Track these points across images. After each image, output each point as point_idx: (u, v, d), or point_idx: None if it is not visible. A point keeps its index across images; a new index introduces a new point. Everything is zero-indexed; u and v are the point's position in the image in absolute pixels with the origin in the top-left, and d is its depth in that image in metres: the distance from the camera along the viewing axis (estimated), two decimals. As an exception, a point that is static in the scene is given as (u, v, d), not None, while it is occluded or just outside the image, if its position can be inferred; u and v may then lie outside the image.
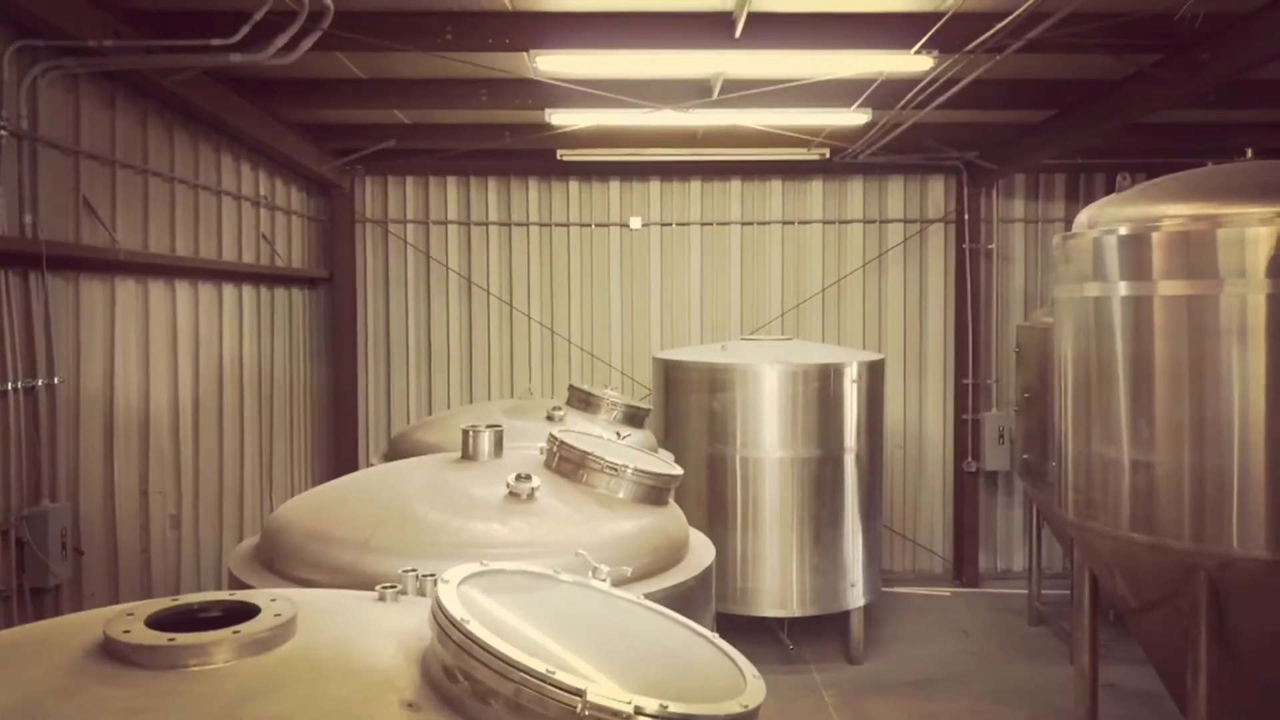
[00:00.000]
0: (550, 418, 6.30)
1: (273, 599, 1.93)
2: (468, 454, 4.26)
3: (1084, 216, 6.24)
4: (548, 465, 4.19)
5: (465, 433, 4.27)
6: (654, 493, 4.13)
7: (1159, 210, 5.69)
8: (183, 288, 7.96)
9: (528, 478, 3.86)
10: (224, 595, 1.99)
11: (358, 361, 11.36)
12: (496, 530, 3.64)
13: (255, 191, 9.46)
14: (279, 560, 3.76)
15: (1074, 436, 6.16)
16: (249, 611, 1.88)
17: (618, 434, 4.92)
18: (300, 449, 10.62)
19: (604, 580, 2.34)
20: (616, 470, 4.02)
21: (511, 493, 3.82)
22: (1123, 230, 5.82)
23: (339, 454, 11.08)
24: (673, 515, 4.16)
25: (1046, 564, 10.46)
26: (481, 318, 11.46)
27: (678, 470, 4.25)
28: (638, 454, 4.50)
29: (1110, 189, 11.55)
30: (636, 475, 4.05)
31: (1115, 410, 5.83)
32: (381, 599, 2.12)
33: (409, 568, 3.19)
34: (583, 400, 6.63)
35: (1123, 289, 5.83)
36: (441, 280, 11.43)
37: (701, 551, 4.21)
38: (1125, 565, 5.86)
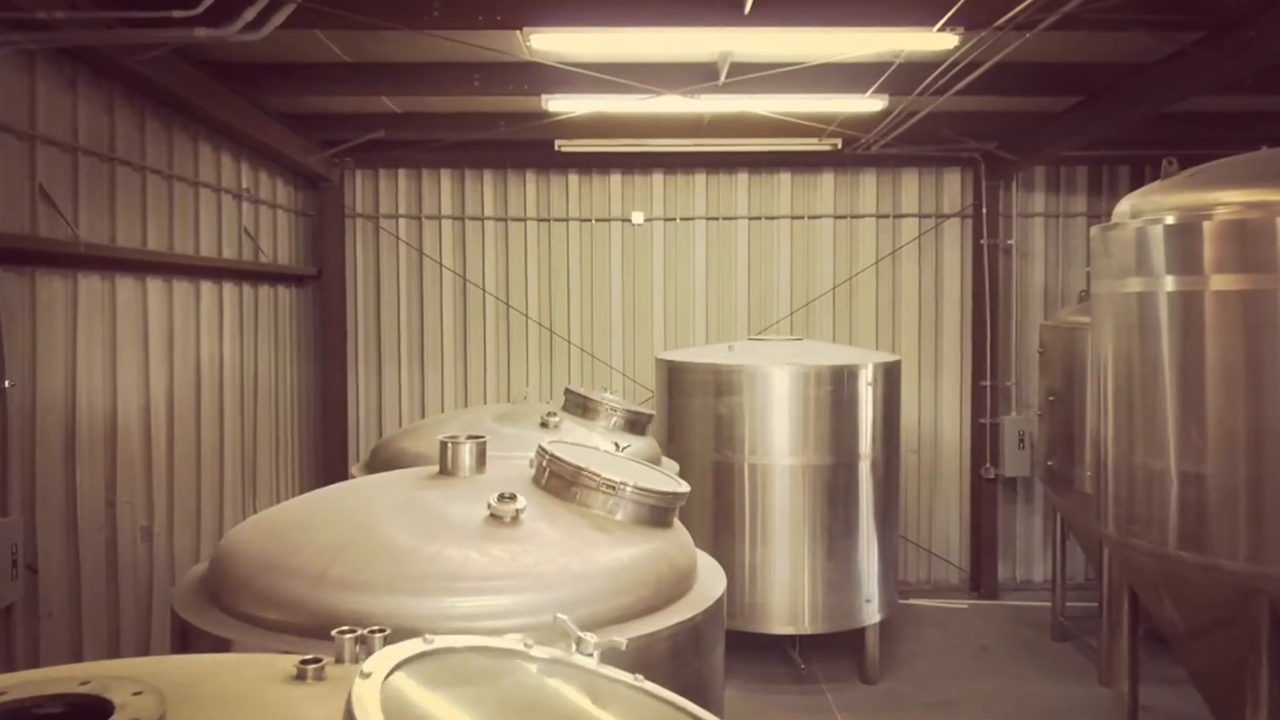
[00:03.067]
0: (544, 424, 5.81)
1: (136, 691, 1.44)
2: (446, 469, 3.77)
3: (1126, 205, 5.74)
4: (536, 481, 3.69)
5: (443, 445, 3.77)
6: (657, 513, 3.64)
7: (1211, 197, 5.19)
8: (155, 285, 7.47)
9: (512, 498, 3.36)
10: (79, 675, 1.50)
11: (347, 363, 10.87)
12: (474, 560, 3.14)
13: (237, 184, 8.97)
14: (226, 593, 3.27)
15: (1115, 445, 5.65)
16: (102, 710, 1.39)
17: (616, 444, 4.43)
18: (287, 455, 10.13)
19: (591, 654, 1.84)
20: (614, 488, 3.52)
21: (493, 515, 3.34)
22: (1170, 220, 5.33)
23: (327, 460, 10.59)
24: (678, 539, 3.67)
25: (1068, 574, 9.95)
26: (477, 317, 10.97)
27: (683, 487, 3.76)
28: (638, 468, 4.01)
29: (1135, 181, 11.11)
30: (637, 494, 3.56)
31: (1161, 416, 5.33)
32: (300, 677, 1.63)
33: (368, 607, 2.72)
34: (580, 405, 6.14)
35: (1170, 284, 5.33)
36: (435, 278, 10.94)
37: (710, 580, 3.71)
38: (1173, 587, 5.36)
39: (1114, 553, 5.90)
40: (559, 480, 3.62)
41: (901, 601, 9.72)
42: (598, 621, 3.14)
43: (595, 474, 3.53)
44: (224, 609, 3.24)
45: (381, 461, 5.87)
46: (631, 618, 3.22)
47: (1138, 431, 5.47)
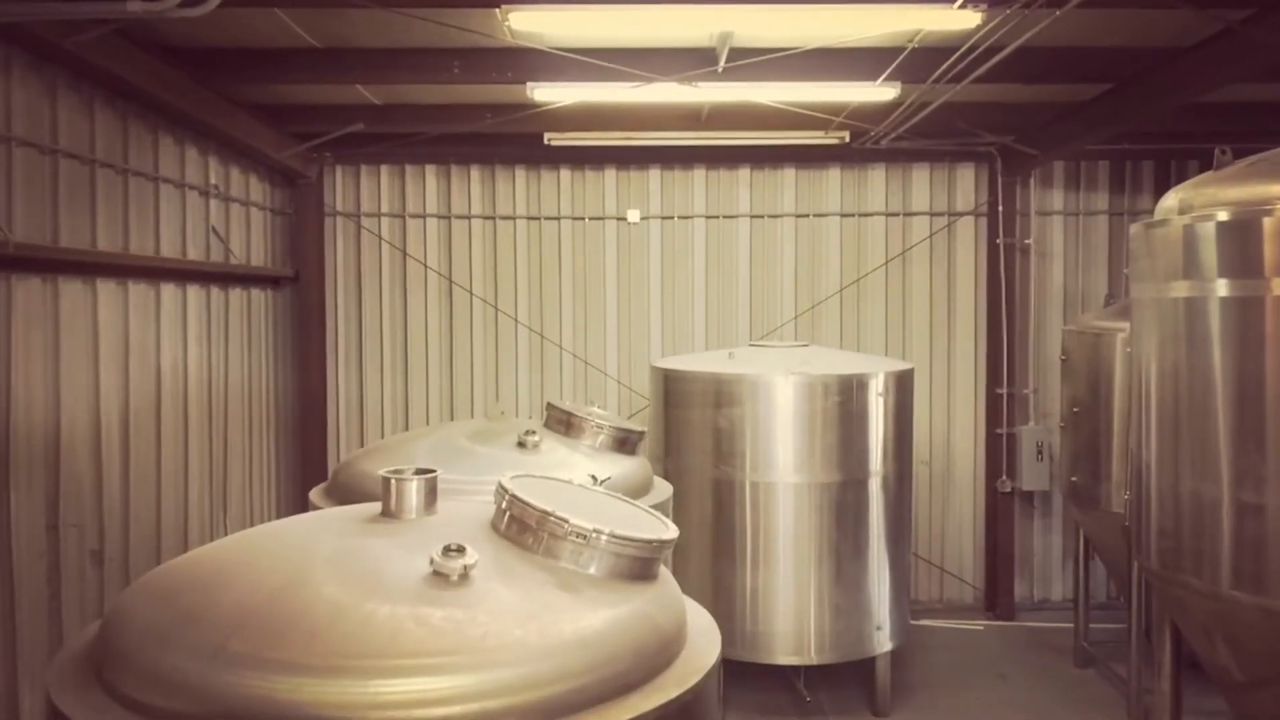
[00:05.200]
0: (522, 445, 5.22)
1: None
2: (389, 510, 3.18)
3: (1172, 200, 5.13)
4: (495, 526, 3.11)
5: (386, 482, 3.18)
6: (638, 565, 3.05)
7: (1273, 190, 4.59)
8: (107, 288, 6.89)
9: (459, 550, 2.77)
10: None
11: (326, 370, 10.28)
12: (408, 632, 2.56)
13: (204, 180, 8.39)
14: (109, 668, 2.69)
15: (1159, 469, 5.05)
16: None
17: (593, 476, 3.83)
18: (263, 469, 9.55)
19: None
20: (585, 537, 2.93)
21: (436, 572, 2.74)
22: (1223, 216, 4.73)
23: (305, 474, 10.00)
24: (663, 595, 3.08)
25: (1089, 592, 9.33)
26: (464, 321, 10.38)
27: (670, 532, 3.16)
28: (619, 508, 3.41)
29: (1159, 177, 10.51)
30: (614, 543, 2.97)
31: (1214, 438, 4.74)
32: None
33: (273, 693, 2.16)
34: (562, 422, 5.55)
35: (1223, 288, 4.73)
36: (419, 280, 10.35)
37: (703, 642, 3.12)
38: (1227, 630, 4.76)
39: (1158, 589, 5.30)
40: (521, 526, 3.03)
41: (913, 622, 9.11)
42: (561, 708, 2.56)
43: (563, 520, 2.94)
44: (105, 688, 2.66)
45: (341, 485, 5.28)
46: (604, 700, 2.64)
47: (1186, 454, 4.87)
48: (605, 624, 2.77)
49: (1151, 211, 10.31)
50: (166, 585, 2.91)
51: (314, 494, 5.43)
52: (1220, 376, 4.70)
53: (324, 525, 3.20)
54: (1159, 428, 5.06)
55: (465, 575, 2.75)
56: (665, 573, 3.29)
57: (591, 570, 2.98)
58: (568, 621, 2.72)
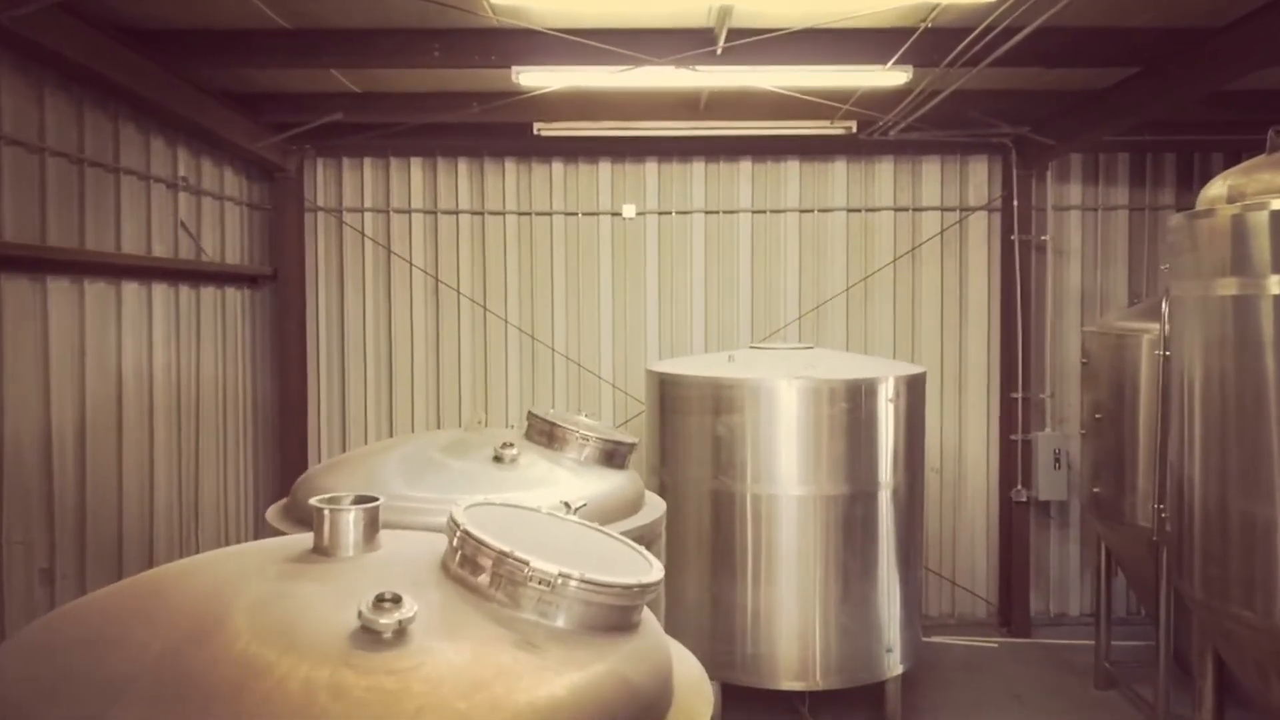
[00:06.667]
0: (498, 459, 4.72)
1: None
2: (321, 546, 2.69)
3: (1219, 187, 4.63)
4: (446, 567, 2.61)
5: (317, 513, 2.69)
6: (615, 615, 2.56)
7: (1337, 176, 4.09)
8: (59, 287, 6.42)
9: (394, 601, 2.29)
10: None
11: (307, 373, 9.80)
12: (322, 707, 2.06)
13: (171, 172, 7.91)
14: (-36, 747, 2.19)
15: (1203, 486, 4.56)
16: None
17: (566, 505, 3.34)
18: (239, 479, 9.06)
19: None
20: (551, 584, 2.44)
21: (365, 628, 2.25)
22: (1278, 205, 4.23)
23: (285, 485, 9.42)
24: (643, 651, 2.58)
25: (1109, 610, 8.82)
26: (451, 322, 9.89)
27: (653, 574, 2.67)
28: (596, 540, 2.92)
29: (1182, 170, 9.99)
30: (585, 590, 2.47)
31: (1267, 454, 4.24)
32: None
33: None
34: (544, 433, 5.05)
35: (1277, 285, 4.23)
36: (405, 278, 9.86)
37: (692, 703, 2.63)
38: (1284, 667, 4.27)
39: (1202, 618, 4.80)
40: (474, 568, 2.53)
41: (923, 639, 8.62)
42: (513, 802, 2.07)
43: (523, 561, 2.45)
44: (-41, 772, 2.17)
45: (300, 504, 4.79)
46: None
47: (1235, 471, 4.38)
48: (571, 692, 2.27)
49: (1173, 206, 9.95)
50: (48, 640, 2.42)
51: (271, 514, 4.94)
52: (1275, 384, 4.21)
53: (243, 564, 2.71)
54: (1204, 440, 4.56)
55: (401, 632, 2.26)
56: (648, 619, 2.80)
57: (559, 622, 2.49)
58: (525, 690, 2.23)
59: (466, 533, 2.54)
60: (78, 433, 6.61)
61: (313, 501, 2.72)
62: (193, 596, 2.53)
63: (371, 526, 2.73)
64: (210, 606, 2.43)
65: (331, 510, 2.69)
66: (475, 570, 2.54)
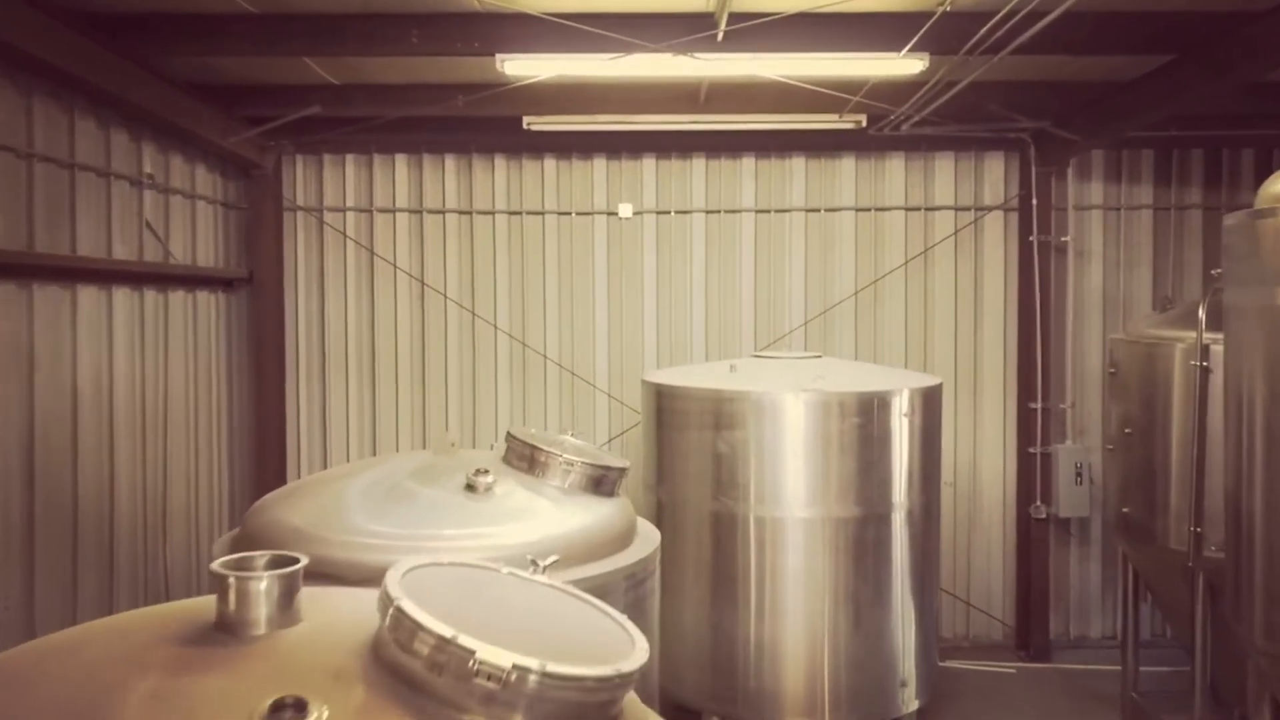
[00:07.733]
0: (471, 487, 4.21)
1: None
2: (226, 623, 2.17)
3: (1284, 183, 4.11)
4: (378, 652, 2.09)
5: (221, 581, 2.18)
6: (587, 712, 2.03)
7: None
8: (5, 290, 5.91)
9: (298, 710, 1.77)
10: None
11: (286, 383, 9.29)
12: None
13: (135, 168, 7.40)
14: None
15: (1267, 520, 4.04)
16: None
17: (535, 563, 2.81)
18: (212, 495, 8.55)
19: None
20: (503, 680, 1.92)
21: (263, 745, 1.74)
22: (1356, 202, 3.71)
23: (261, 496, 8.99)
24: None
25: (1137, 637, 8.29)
26: (437, 328, 9.38)
27: (635, 660, 2.15)
28: (566, 611, 2.40)
29: (1210, 167, 9.41)
30: (549, 685, 1.95)
31: (1344, 484, 3.72)
32: None
33: None
34: (524, 457, 4.53)
35: (1355, 294, 3.71)
36: (389, 281, 9.35)
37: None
38: (1365, 730, 3.74)
39: (1262, 666, 4.28)
40: (411, 655, 2.01)
41: (938, 664, 8.11)
42: None
43: (468, 651, 1.93)
44: None
45: (250, 536, 4.28)
46: None
47: (1306, 503, 3.86)
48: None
49: (1201, 205, 9.42)
50: None
51: (217, 548, 4.43)
52: (1352, 406, 3.70)
53: (130, 645, 2.18)
54: (1267, 467, 4.04)
55: (308, 750, 1.75)
56: (632, 704, 2.28)
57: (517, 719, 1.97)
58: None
59: (400, 610, 2.02)
60: (24, 448, 6.10)
61: (215, 566, 2.20)
62: (65, 693, 2.01)
63: (288, 596, 2.21)
64: (81, 710, 1.91)
65: (238, 577, 2.17)
66: (412, 657, 2.02)
